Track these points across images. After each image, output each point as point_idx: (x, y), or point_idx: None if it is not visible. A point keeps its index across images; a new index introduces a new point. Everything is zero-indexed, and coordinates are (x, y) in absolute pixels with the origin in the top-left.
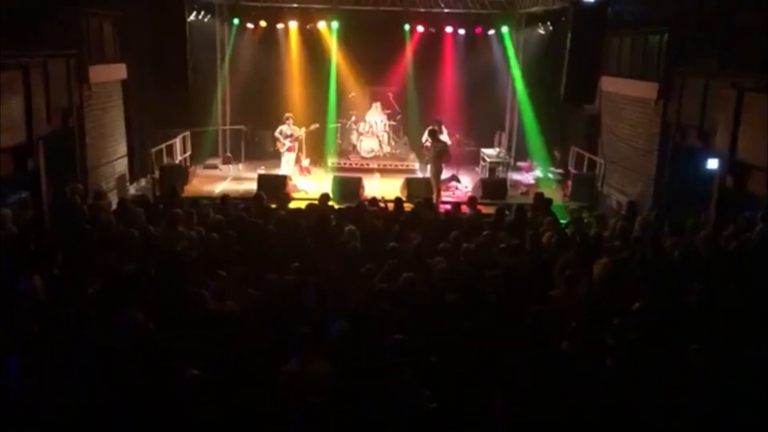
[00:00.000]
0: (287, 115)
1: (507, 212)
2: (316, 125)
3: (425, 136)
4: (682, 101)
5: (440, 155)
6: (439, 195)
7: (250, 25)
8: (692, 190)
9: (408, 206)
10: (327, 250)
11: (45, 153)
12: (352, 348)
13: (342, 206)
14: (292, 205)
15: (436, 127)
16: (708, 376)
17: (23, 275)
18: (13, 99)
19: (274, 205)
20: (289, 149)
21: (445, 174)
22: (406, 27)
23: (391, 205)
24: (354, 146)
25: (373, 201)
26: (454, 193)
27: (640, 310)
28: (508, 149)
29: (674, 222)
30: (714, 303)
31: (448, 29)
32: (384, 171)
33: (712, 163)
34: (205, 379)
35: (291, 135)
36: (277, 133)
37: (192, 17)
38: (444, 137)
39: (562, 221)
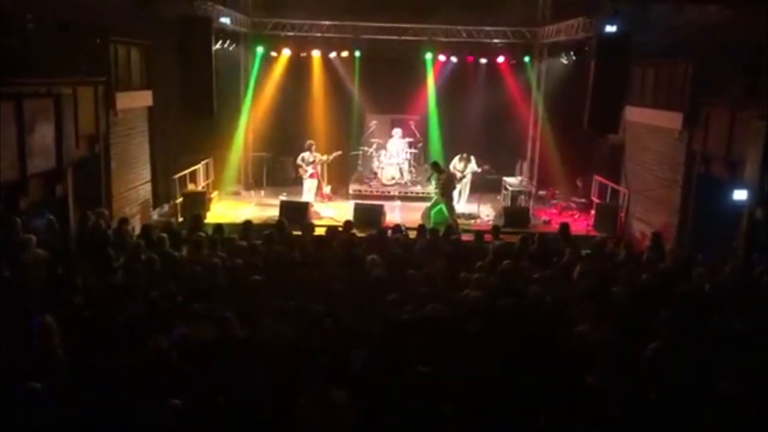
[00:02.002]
0: (309, 142)
1: (530, 241)
2: (338, 153)
3: (454, 164)
4: (708, 131)
5: (446, 186)
6: (456, 225)
7: (273, 54)
8: (718, 221)
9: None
10: (352, 278)
11: (73, 179)
12: (374, 378)
13: (363, 234)
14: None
15: (466, 155)
16: (739, 409)
17: (37, 314)
18: (45, 126)
19: (296, 232)
20: (311, 176)
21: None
22: (428, 56)
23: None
24: (375, 174)
25: (397, 228)
26: (476, 222)
27: (658, 348)
28: (530, 178)
29: (701, 253)
30: (746, 336)
31: (470, 59)
32: (405, 198)
33: (739, 194)
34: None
35: (313, 162)
36: (299, 160)
37: (217, 45)
38: (472, 166)
39: (586, 251)
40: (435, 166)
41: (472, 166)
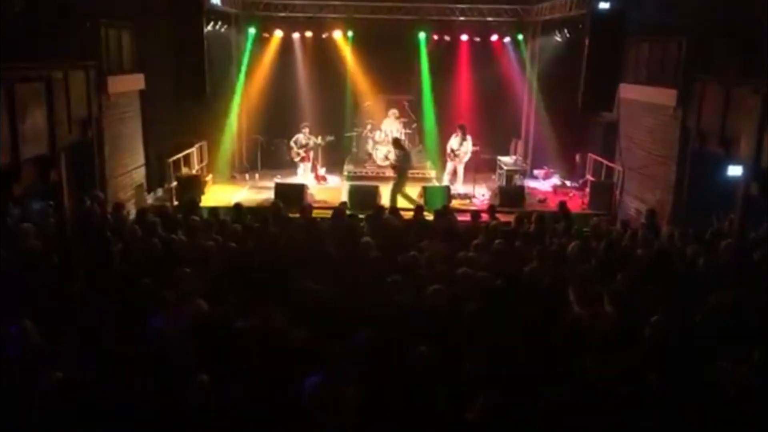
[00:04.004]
0: (304, 124)
1: (526, 220)
2: (331, 138)
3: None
4: (702, 108)
5: (403, 164)
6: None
7: (266, 35)
8: (712, 197)
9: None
10: (352, 260)
11: (66, 164)
12: (378, 360)
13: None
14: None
15: (462, 133)
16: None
17: (15, 322)
18: (37, 111)
19: (292, 215)
20: (304, 159)
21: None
22: (421, 35)
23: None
24: (370, 155)
25: (394, 210)
26: (471, 201)
27: (659, 321)
28: (525, 157)
29: (696, 230)
30: (742, 312)
31: (464, 37)
32: None
33: (734, 170)
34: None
35: (306, 144)
36: (292, 143)
37: (209, 27)
38: (468, 143)
39: (584, 230)
40: (395, 142)
41: (468, 144)
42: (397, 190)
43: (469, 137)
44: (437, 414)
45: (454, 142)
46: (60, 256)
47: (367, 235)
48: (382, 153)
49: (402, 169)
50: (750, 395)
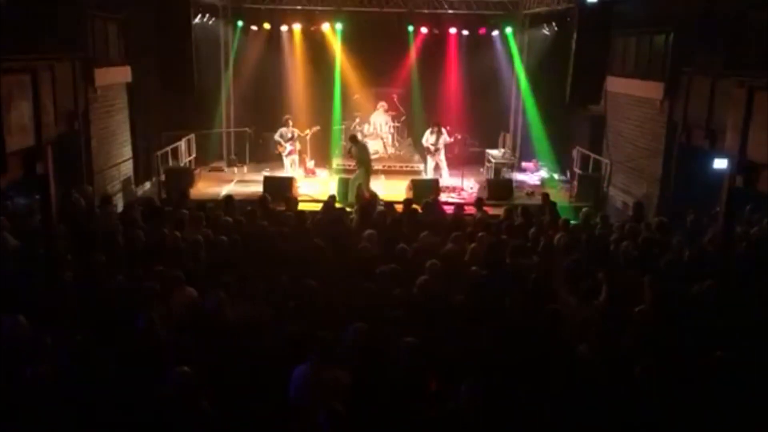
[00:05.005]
0: (286, 116)
1: (514, 213)
2: (317, 128)
3: (426, 138)
4: (689, 101)
5: (364, 157)
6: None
7: (254, 28)
8: (699, 190)
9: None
10: (340, 252)
11: (52, 156)
12: (367, 351)
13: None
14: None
15: (437, 128)
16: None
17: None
18: (22, 103)
19: (280, 208)
20: (291, 152)
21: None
22: (410, 28)
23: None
24: None
25: (388, 205)
26: (459, 194)
27: (644, 311)
28: (513, 150)
29: (681, 222)
30: (727, 304)
31: (452, 30)
32: (389, 172)
33: (719, 163)
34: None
35: (292, 138)
36: (277, 137)
37: (196, 19)
38: (444, 138)
39: (572, 222)
40: (352, 138)
41: (444, 137)
42: (366, 182)
43: (444, 130)
44: (423, 403)
45: (430, 137)
46: (47, 248)
47: (356, 228)
48: (372, 146)
49: (364, 162)
50: (738, 386)
